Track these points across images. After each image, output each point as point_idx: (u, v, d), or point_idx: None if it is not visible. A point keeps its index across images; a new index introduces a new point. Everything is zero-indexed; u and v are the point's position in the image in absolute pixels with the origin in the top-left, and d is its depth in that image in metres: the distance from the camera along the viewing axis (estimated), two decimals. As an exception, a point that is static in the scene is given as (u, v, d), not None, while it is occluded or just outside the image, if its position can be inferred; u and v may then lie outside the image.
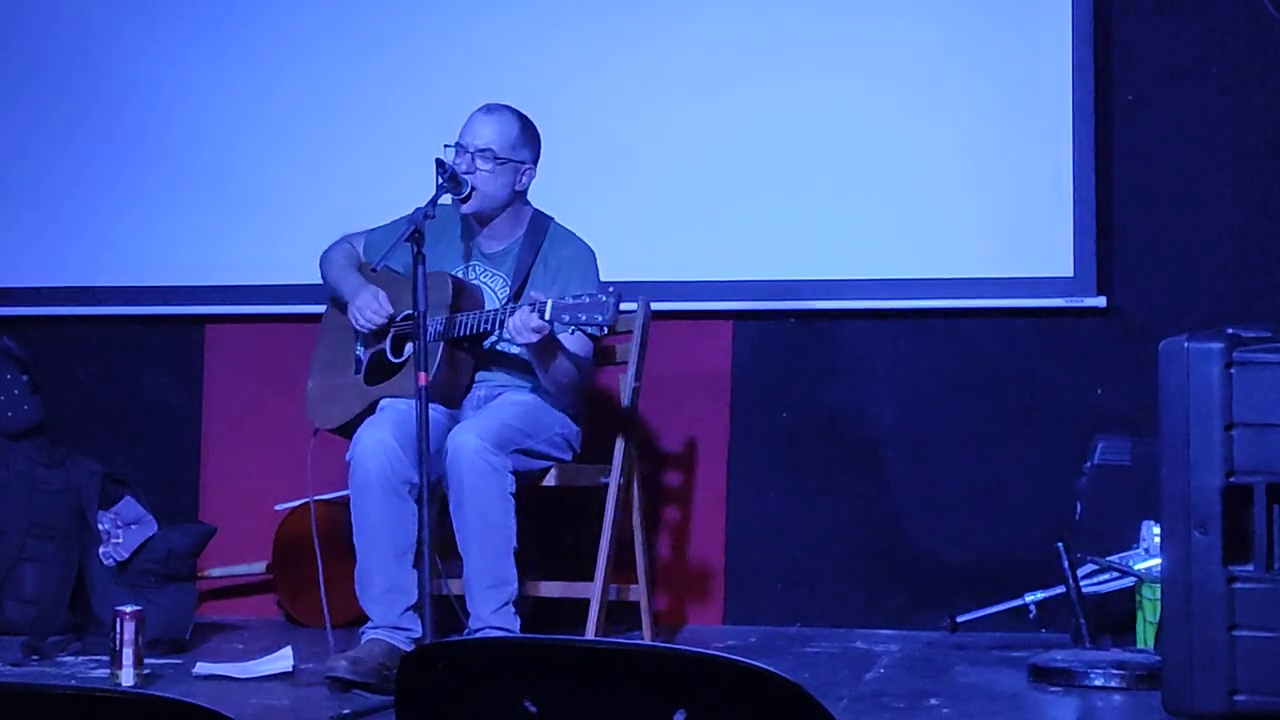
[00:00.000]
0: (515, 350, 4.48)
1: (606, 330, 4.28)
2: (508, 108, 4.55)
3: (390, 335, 4.51)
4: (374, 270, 4.29)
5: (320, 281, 4.73)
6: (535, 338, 4.23)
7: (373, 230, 4.71)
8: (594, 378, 4.72)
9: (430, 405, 4.28)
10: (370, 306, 4.48)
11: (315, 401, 4.70)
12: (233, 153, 5.66)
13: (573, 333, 4.37)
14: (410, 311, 4.42)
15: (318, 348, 4.77)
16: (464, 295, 4.45)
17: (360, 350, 4.61)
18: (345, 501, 5.20)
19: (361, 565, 4.29)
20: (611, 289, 4.18)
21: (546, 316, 4.19)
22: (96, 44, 5.79)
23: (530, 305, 4.21)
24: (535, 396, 4.49)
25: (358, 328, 4.52)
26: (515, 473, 4.29)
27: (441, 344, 4.39)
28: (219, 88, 5.69)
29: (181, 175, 5.70)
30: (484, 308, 4.47)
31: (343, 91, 5.59)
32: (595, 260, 4.57)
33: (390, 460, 4.19)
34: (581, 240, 4.60)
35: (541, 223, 4.60)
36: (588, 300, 4.18)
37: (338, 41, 5.61)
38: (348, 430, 4.55)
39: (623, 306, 4.77)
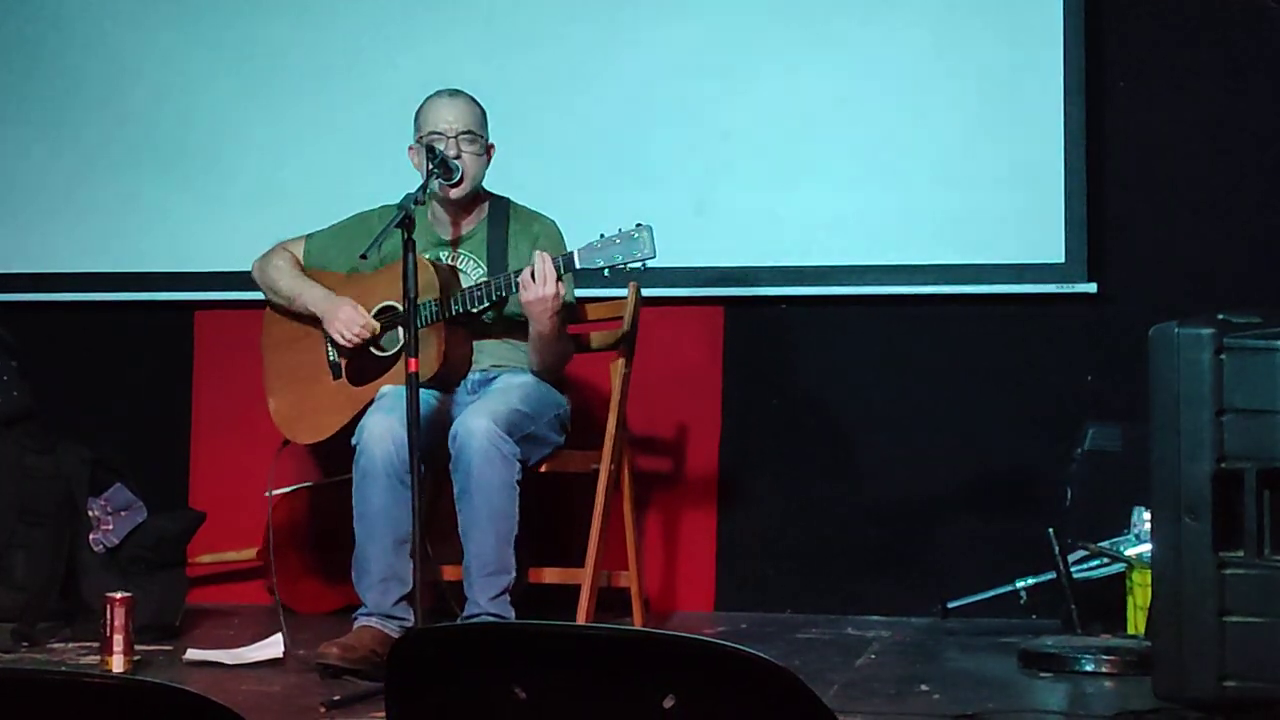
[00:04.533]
0: (515, 311, 4.46)
1: (645, 267, 4.17)
2: (459, 90, 4.52)
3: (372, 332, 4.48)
4: (363, 258, 4.26)
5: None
6: (549, 290, 4.17)
7: (311, 235, 4.67)
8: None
9: (427, 390, 4.27)
10: (356, 322, 4.42)
11: (292, 419, 4.61)
12: (222, 139, 5.65)
13: (606, 274, 4.26)
14: (387, 304, 4.41)
15: (270, 365, 4.67)
16: (446, 276, 4.42)
17: (333, 355, 4.56)
18: (332, 489, 5.20)
19: (360, 551, 4.27)
20: (639, 224, 4.13)
21: (577, 265, 4.16)
22: (86, 32, 5.78)
23: (550, 259, 4.17)
24: (532, 377, 4.48)
25: (341, 344, 4.47)
26: (519, 459, 4.28)
27: (443, 326, 4.36)
28: (209, 75, 5.68)
29: (170, 161, 5.68)
30: (463, 288, 4.44)
31: (332, 78, 5.58)
32: (561, 233, 4.54)
33: (397, 448, 4.15)
34: (546, 215, 4.58)
35: (501, 202, 4.58)
36: (618, 240, 4.14)
37: (325, 30, 5.60)
38: (342, 438, 4.53)
39: (612, 293, 4.79)
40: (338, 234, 4.59)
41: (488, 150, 4.52)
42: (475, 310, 4.36)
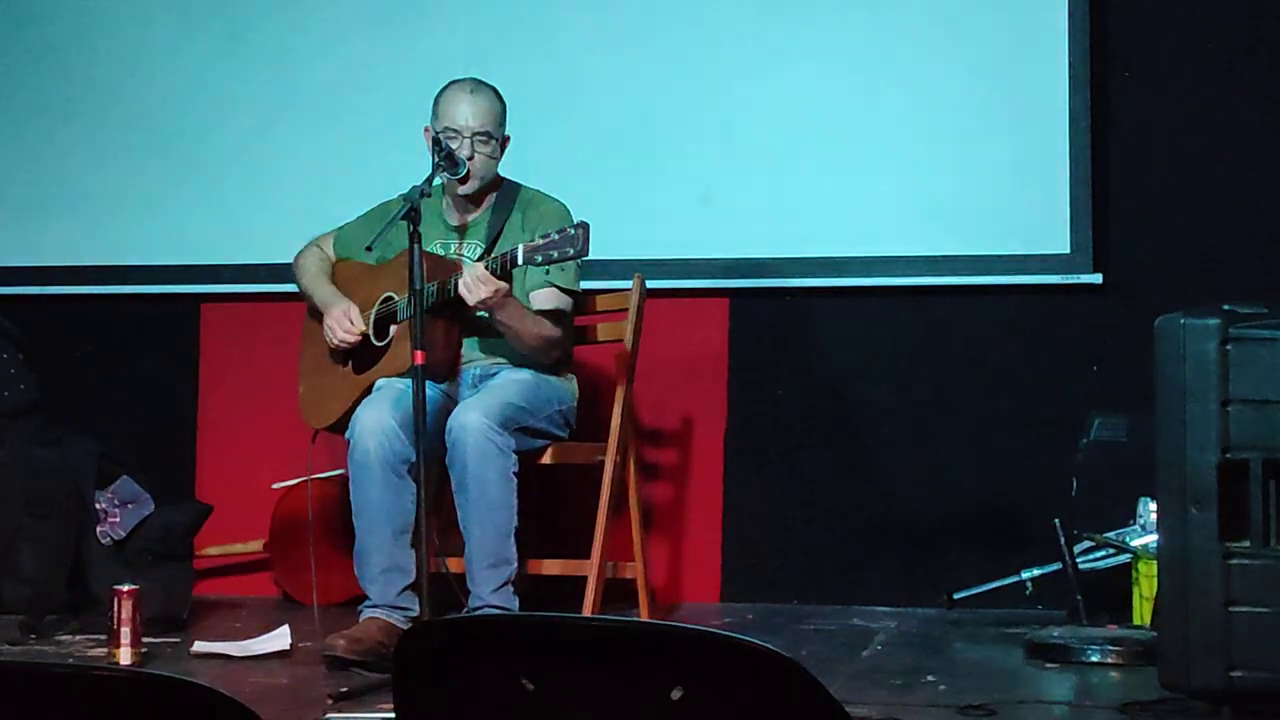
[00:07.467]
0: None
1: (580, 264, 4.28)
2: (483, 83, 4.52)
3: (372, 320, 4.50)
4: (368, 250, 4.26)
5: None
6: (485, 291, 4.19)
7: (341, 227, 4.71)
8: (571, 333, 4.67)
9: (431, 384, 4.27)
10: (342, 326, 4.49)
11: (310, 404, 4.69)
12: (228, 132, 5.66)
13: (547, 274, 4.35)
14: (389, 295, 4.44)
15: (304, 352, 4.75)
16: (440, 269, 4.41)
17: None
18: (341, 480, 5.22)
19: (360, 544, 4.28)
20: (578, 222, 4.15)
21: (519, 261, 4.18)
22: (90, 26, 5.78)
23: (492, 259, 4.21)
24: (533, 373, 4.48)
25: (331, 345, 4.53)
26: (516, 451, 4.29)
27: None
28: (213, 69, 5.68)
29: (177, 154, 5.69)
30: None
31: (337, 71, 5.58)
32: (570, 215, 4.52)
33: (390, 439, 4.18)
34: (554, 198, 4.57)
35: (511, 188, 4.59)
36: (556, 237, 4.15)
37: (329, 21, 5.60)
38: (344, 424, 4.54)
39: (617, 285, 4.78)
40: (362, 224, 4.62)
41: (502, 144, 4.53)
42: (430, 305, 4.31)
